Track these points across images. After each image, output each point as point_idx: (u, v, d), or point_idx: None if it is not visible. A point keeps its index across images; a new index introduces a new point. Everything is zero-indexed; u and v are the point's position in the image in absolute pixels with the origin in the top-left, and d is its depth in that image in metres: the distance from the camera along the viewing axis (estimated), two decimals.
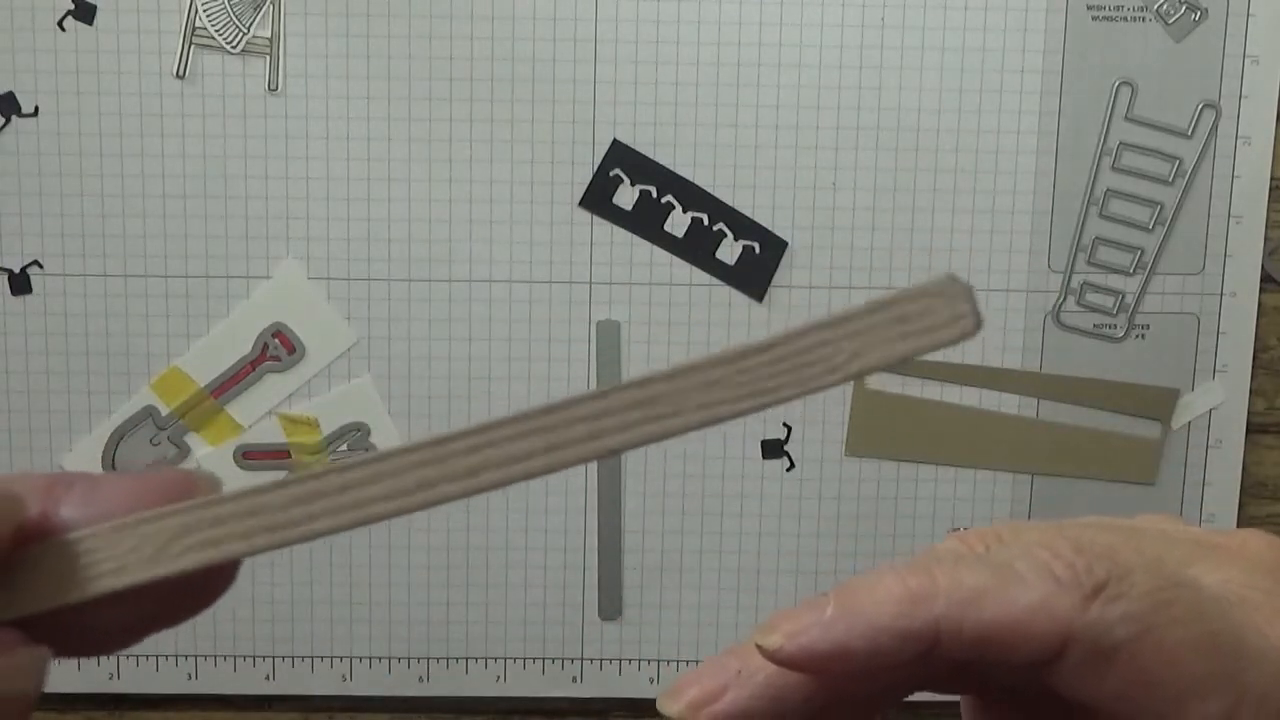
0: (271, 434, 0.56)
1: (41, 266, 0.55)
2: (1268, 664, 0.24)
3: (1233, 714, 0.24)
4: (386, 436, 0.57)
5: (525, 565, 0.58)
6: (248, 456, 0.57)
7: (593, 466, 0.57)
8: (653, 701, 0.63)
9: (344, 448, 0.57)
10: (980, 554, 0.26)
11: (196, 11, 0.54)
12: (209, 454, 0.57)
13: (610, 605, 0.58)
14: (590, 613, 0.59)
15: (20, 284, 0.55)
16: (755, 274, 0.56)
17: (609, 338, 0.56)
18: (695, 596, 0.59)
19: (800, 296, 0.56)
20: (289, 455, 0.57)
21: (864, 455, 0.58)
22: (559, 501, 0.58)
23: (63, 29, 0.54)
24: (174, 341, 0.56)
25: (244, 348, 0.56)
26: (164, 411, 0.56)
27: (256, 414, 0.56)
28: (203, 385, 0.56)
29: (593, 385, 0.57)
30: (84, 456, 0.56)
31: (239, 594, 0.58)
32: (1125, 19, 0.55)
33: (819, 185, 0.56)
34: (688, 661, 0.59)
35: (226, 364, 0.56)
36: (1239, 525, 0.59)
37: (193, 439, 0.56)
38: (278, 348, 0.56)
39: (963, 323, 0.20)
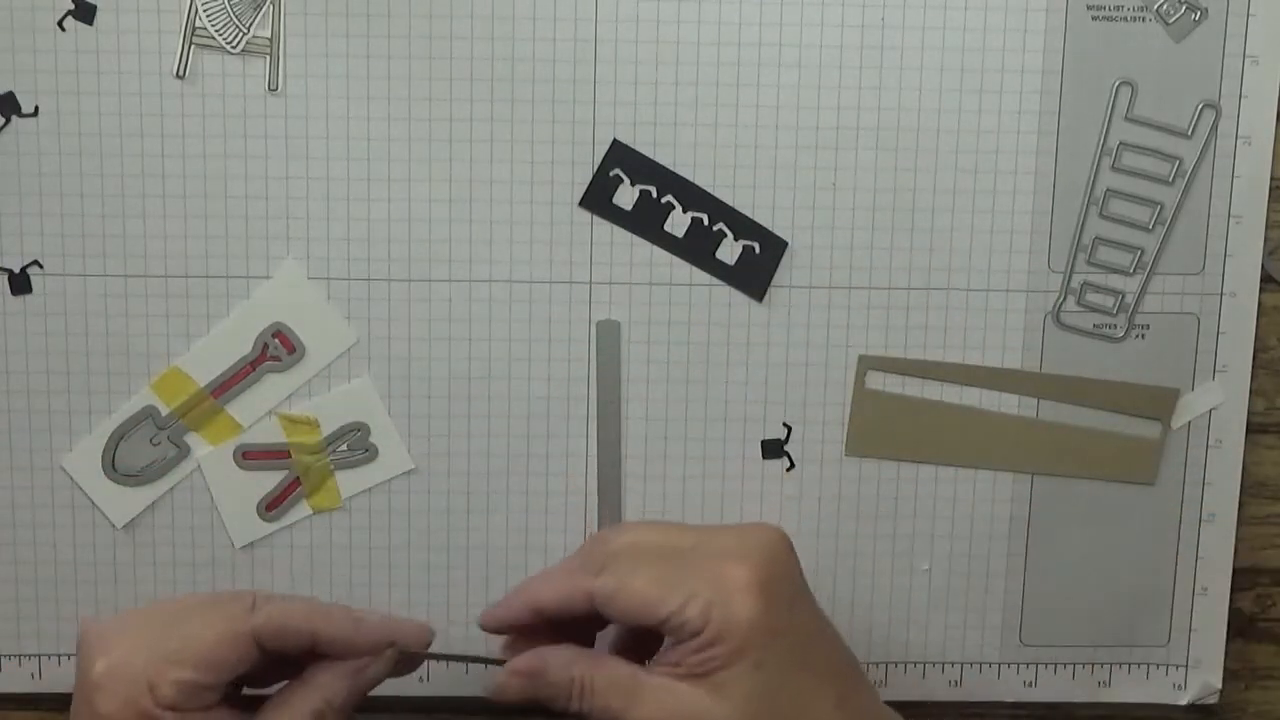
0: (271, 434, 0.56)
1: (41, 266, 0.55)
2: (702, 579, 0.46)
3: (702, 610, 0.45)
4: (386, 436, 0.57)
5: (525, 566, 0.58)
6: (247, 456, 0.57)
7: (592, 466, 0.57)
8: None
9: (344, 448, 0.57)
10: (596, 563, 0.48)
11: (196, 11, 0.54)
12: (209, 454, 0.57)
13: None
14: None
15: (20, 284, 0.55)
16: (755, 274, 0.56)
17: (609, 337, 0.56)
18: None
19: (800, 296, 0.56)
20: (289, 455, 0.57)
21: (864, 455, 0.58)
22: (559, 502, 0.58)
23: (63, 29, 0.54)
24: (174, 341, 0.56)
25: (244, 348, 0.56)
26: (164, 411, 0.56)
27: (256, 414, 0.56)
28: (203, 385, 0.56)
29: (593, 385, 0.57)
30: (84, 457, 0.56)
31: None
32: (1125, 19, 0.55)
33: (819, 185, 0.56)
34: None
35: (226, 364, 0.56)
36: (1239, 525, 0.59)
37: (192, 439, 0.56)
38: (278, 348, 0.56)
39: None
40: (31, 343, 0.56)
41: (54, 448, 0.56)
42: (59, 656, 0.58)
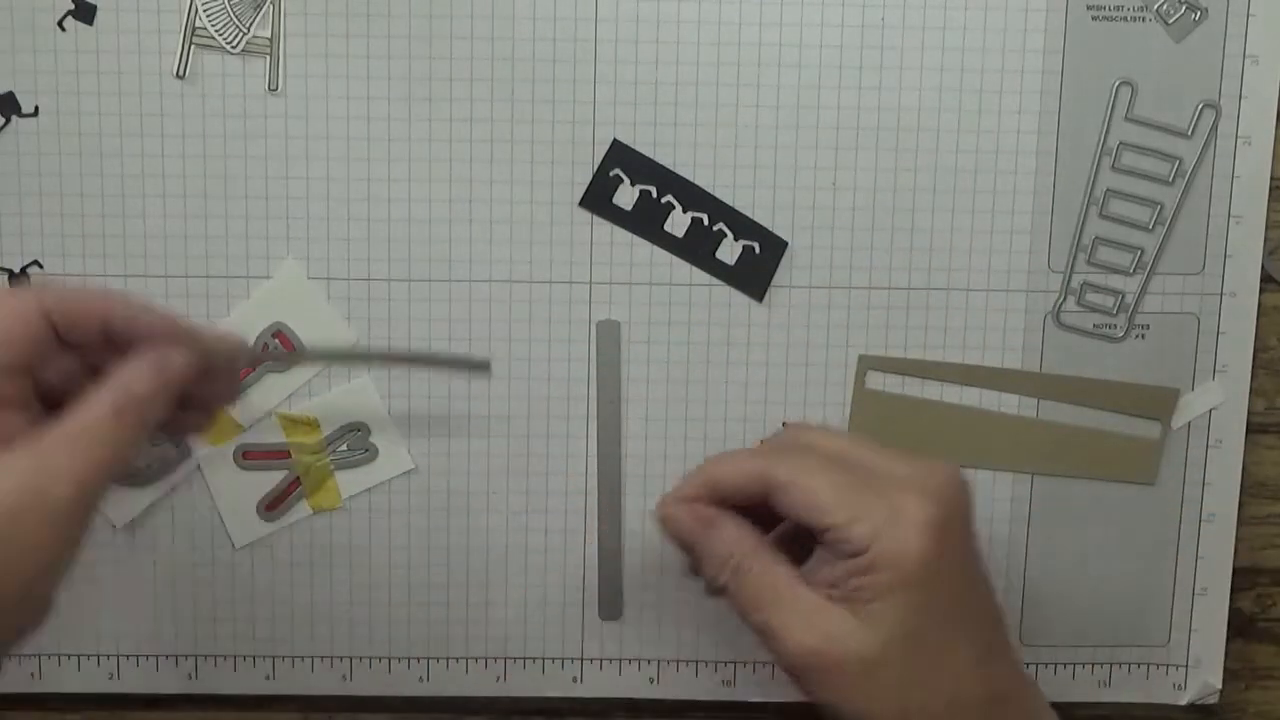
0: (271, 434, 0.56)
1: (41, 266, 0.55)
2: (878, 502, 0.45)
3: (868, 533, 0.45)
4: (386, 436, 0.57)
5: (525, 566, 0.58)
6: (247, 456, 0.57)
7: (593, 466, 0.57)
8: (653, 702, 0.63)
9: (344, 447, 0.57)
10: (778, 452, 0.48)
11: (196, 11, 0.54)
12: (209, 454, 0.57)
13: (611, 606, 0.58)
14: (590, 613, 0.59)
15: (20, 284, 0.55)
16: (755, 274, 0.56)
17: (609, 337, 0.56)
18: (695, 596, 0.59)
19: (800, 296, 0.56)
20: (289, 455, 0.57)
21: None
22: (559, 502, 0.58)
23: (63, 29, 0.54)
24: None
25: None
26: None
27: (256, 414, 0.56)
28: None
29: (593, 385, 0.57)
30: None
31: (239, 594, 0.58)
32: (1125, 19, 0.55)
33: (819, 185, 0.56)
34: (688, 661, 0.59)
35: None
36: (1239, 525, 0.59)
37: (193, 439, 0.56)
38: (278, 348, 0.56)
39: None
40: None
41: None
42: (59, 656, 0.58)
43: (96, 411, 0.41)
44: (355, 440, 0.57)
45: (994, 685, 0.47)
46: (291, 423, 0.56)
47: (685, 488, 0.49)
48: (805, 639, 0.45)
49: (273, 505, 0.57)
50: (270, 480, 0.57)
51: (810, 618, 0.45)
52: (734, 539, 0.47)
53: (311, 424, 0.56)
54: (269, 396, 0.56)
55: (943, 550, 0.45)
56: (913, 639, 0.45)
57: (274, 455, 0.56)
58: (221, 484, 0.57)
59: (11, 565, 0.39)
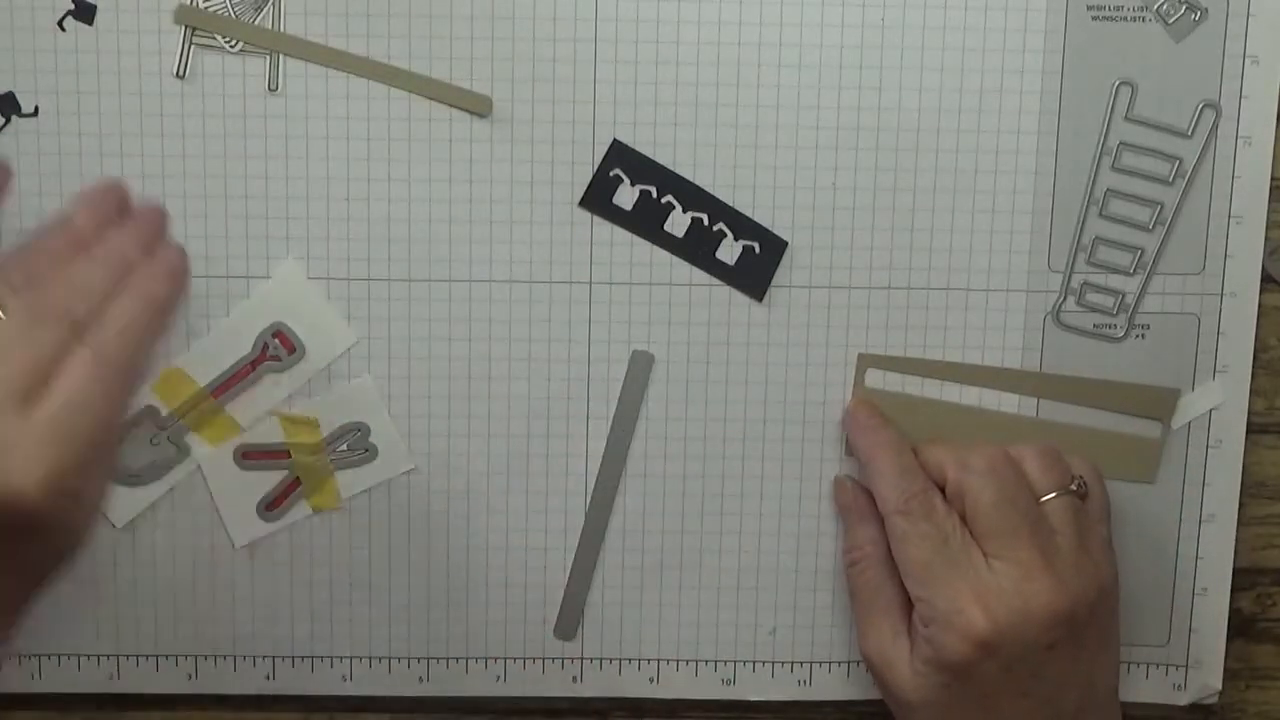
0: (271, 434, 0.56)
1: None
2: (946, 597, 0.50)
3: (932, 615, 0.50)
4: (386, 436, 0.57)
5: (525, 566, 0.58)
6: (247, 456, 0.57)
7: (593, 466, 0.57)
8: (653, 701, 0.63)
9: (344, 447, 0.57)
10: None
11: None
12: (209, 454, 0.57)
13: (567, 626, 0.58)
14: (592, 613, 0.58)
15: None
16: (755, 274, 0.56)
17: (640, 368, 0.56)
18: (695, 596, 0.59)
19: (800, 296, 0.56)
20: (289, 455, 0.57)
21: None
22: (559, 501, 0.58)
23: (63, 29, 0.54)
24: (174, 341, 0.56)
25: (244, 348, 0.56)
26: (164, 412, 0.56)
27: (256, 414, 0.56)
28: (203, 385, 0.56)
29: (592, 385, 0.57)
30: None
31: (239, 594, 0.58)
32: (1125, 19, 0.55)
33: (819, 185, 0.56)
34: (688, 661, 0.59)
35: (226, 364, 0.56)
36: (1239, 525, 0.59)
37: (193, 439, 0.56)
38: (278, 348, 0.56)
39: None
40: None
41: None
42: (59, 656, 0.58)
43: (72, 381, 0.41)
44: (355, 440, 0.56)
45: None
46: (291, 423, 0.56)
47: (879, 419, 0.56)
48: (872, 651, 0.53)
49: (273, 505, 0.57)
50: (270, 480, 0.57)
51: (883, 637, 0.53)
52: (871, 539, 0.54)
53: (311, 424, 0.56)
54: (269, 396, 0.56)
55: (983, 660, 0.49)
56: (940, 708, 0.51)
57: (274, 455, 0.56)
58: (221, 484, 0.57)
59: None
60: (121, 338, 0.42)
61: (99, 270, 0.43)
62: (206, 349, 0.56)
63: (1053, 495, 0.52)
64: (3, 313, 0.41)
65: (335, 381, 0.57)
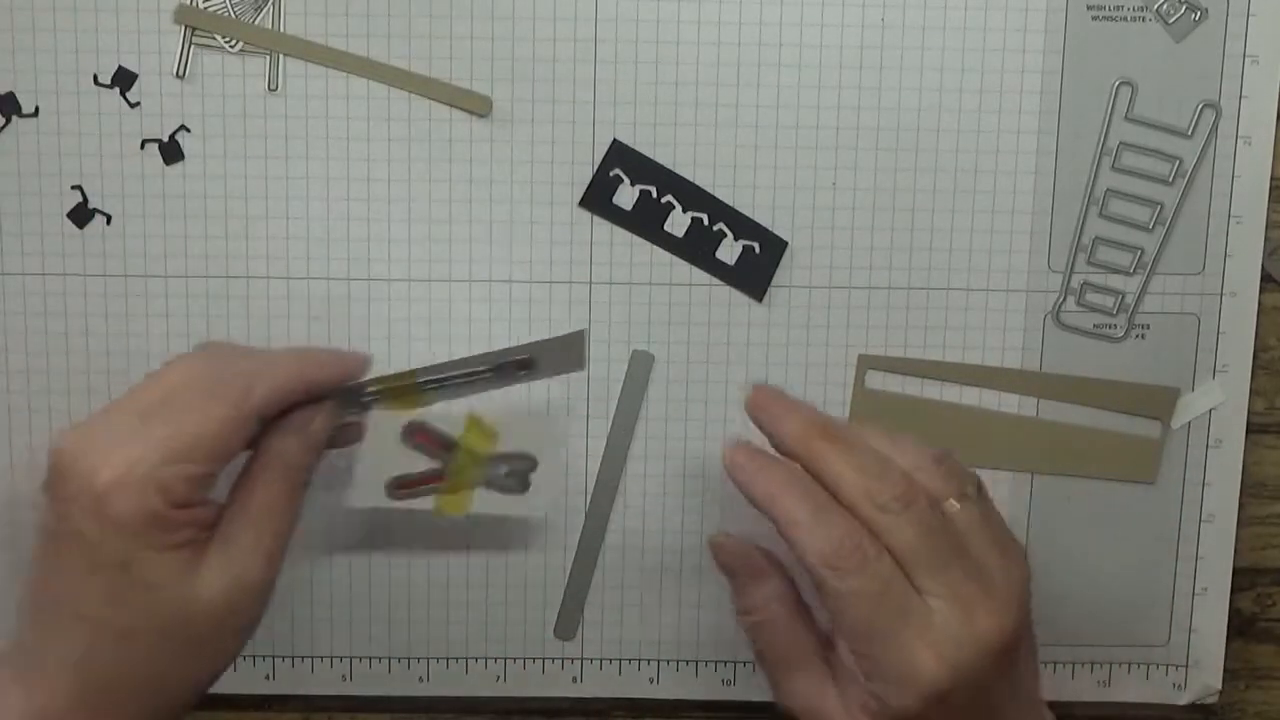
0: (449, 424, 0.54)
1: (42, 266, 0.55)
2: (894, 645, 0.44)
3: (879, 673, 0.44)
4: (548, 479, 0.56)
5: (525, 565, 0.58)
6: (414, 434, 0.53)
7: (593, 466, 0.57)
8: (653, 701, 0.63)
9: (504, 470, 0.55)
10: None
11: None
12: (379, 414, 0.54)
13: (567, 626, 0.58)
14: (592, 613, 0.59)
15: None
16: (755, 274, 0.56)
17: (640, 368, 0.56)
18: (695, 596, 0.59)
19: (800, 296, 0.56)
20: (452, 449, 0.54)
21: None
22: (559, 501, 0.58)
23: (63, 29, 0.54)
24: (174, 341, 0.56)
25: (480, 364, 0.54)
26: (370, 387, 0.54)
27: (450, 400, 0.55)
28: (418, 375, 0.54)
29: (592, 385, 0.57)
30: None
31: None
32: (1125, 19, 0.55)
33: (819, 185, 0.56)
34: (688, 661, 0.59)
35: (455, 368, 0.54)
36: (1239, 525, 0.59)
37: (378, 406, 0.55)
38: (515, 374, 0.54)
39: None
40: (31, 343, 0.56)
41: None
42: None
43: (270, 490, 0.47)
44: (519, 469, 0.53)
45: None
46: (477, 426, 0.53)
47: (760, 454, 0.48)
48: (797, 708, 0.49)
49: (405, 485, 0.53)
50: (417, 463, 0.54)
51: (809, 691, 0.48)
52: (771, 597, 0.50)
53: (492, 435, 0.53)
54: (467, 395, 0.53)
55: (939, 710, 0.44)
56: None
57: (439, 445, 0.53)
58: (373, 446, 0.53)
59: (226, 646, 0.47)
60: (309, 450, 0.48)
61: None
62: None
63: (954, 502, 0.46)
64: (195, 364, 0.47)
65: (534, 404, 0.56)
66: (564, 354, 0.51)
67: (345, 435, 0.51)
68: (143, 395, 0.45)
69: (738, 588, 0.51)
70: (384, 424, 0.52)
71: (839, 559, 0.44)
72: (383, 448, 0.53)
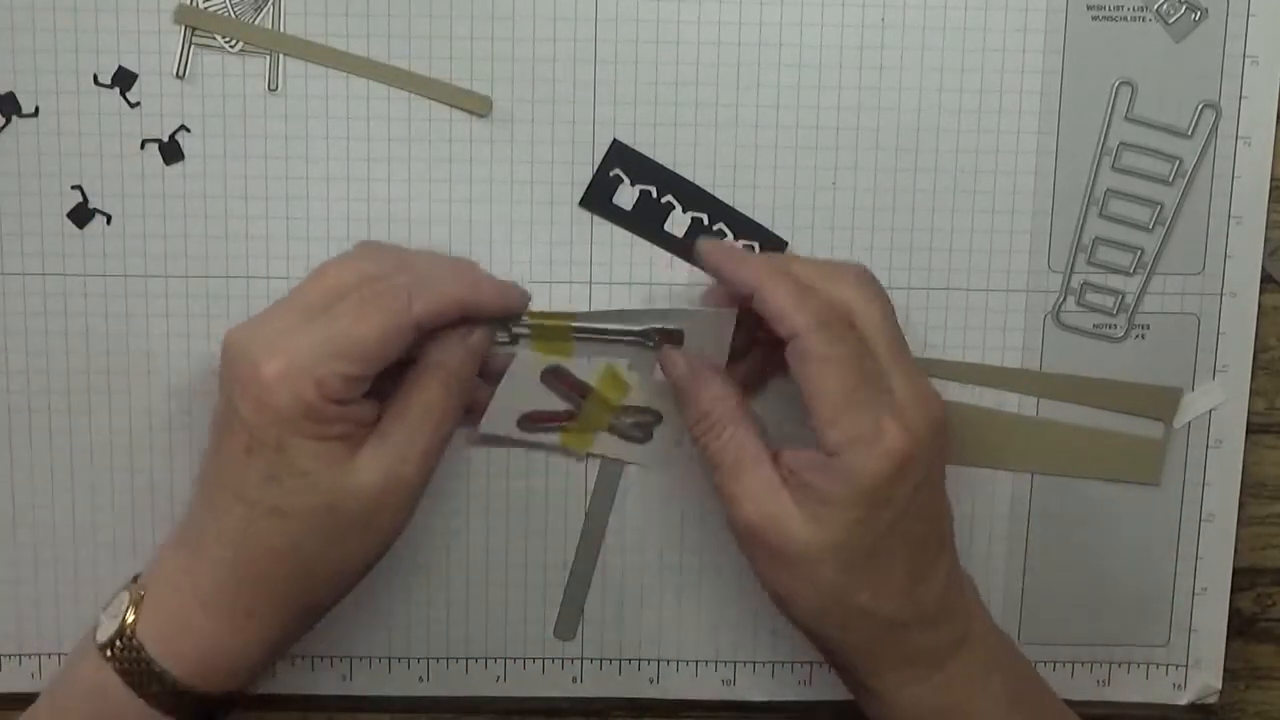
0: (587, 373, 0.55)
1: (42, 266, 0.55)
2: (867, 419, 0.46)
3: (848, 440, 0.46)
4: (667, 435, 0.56)
5: (525, 565, 0.58)
6: (555, 377, 0.54)
7: (593, 466, 0.57)
8: (653, 701, 0.63)
9: (630, 421, 0.56)
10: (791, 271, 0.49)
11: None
12: (526, 354, 0.54)
13: (567, 627, 0.58)
14: (592, 613, 0.59)
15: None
16: None
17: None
18: (695, 596, 0.59)
19: None
20: (585, 396, 0.55)
21: None
22: (559, 501, 0.58)
23: (63, 29, 0.54)
24: (174, 341, 0.56)
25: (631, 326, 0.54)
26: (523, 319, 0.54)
27: (594, 354, 0.54)
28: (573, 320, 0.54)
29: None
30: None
31: None
32: (1125, 19, 0.55)
33: (819, 185, 0.56)
34: (688, 661, 0.59)
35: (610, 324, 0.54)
36: (1239, 525, 0.59)
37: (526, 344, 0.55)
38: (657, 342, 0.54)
39: None
40: (31, 343, 0.56)
41: (54, 448, 0.56)
42: (59, 656, 0.58)
43: (429, 393, 0.49)
44: (645, 421, 0.56)
45: (921, 609, 0.49)
46: (614, 377, 0.55)
47: (731, 249, 0.52)
48: (752, 515, 0.48)
49: (535, 419, 0.55)
50: (549, 402, 0.55)
51: (762, 495, 0.48)
52: (717, 398, 0.50)
53: (624, 389, 0.55)
54: (609, 349, 0.54)
55: (901, 479, 0.47)
56: (846, 550, 0.47)
57: (575, 389, 0.55)
58: (514, 382, 0.54)
59: (372, 539, 0.48)
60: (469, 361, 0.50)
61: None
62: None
63: None
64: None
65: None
66: (712, 333, 0.52)
67: (490, 365, 0.53)
68: (306, 295, 0.48)
69: (688, 398, 0.51)
70: (529, 362, 0.54)
71: (827, 323, 0.47)
72: (522, 383, 0.54)
